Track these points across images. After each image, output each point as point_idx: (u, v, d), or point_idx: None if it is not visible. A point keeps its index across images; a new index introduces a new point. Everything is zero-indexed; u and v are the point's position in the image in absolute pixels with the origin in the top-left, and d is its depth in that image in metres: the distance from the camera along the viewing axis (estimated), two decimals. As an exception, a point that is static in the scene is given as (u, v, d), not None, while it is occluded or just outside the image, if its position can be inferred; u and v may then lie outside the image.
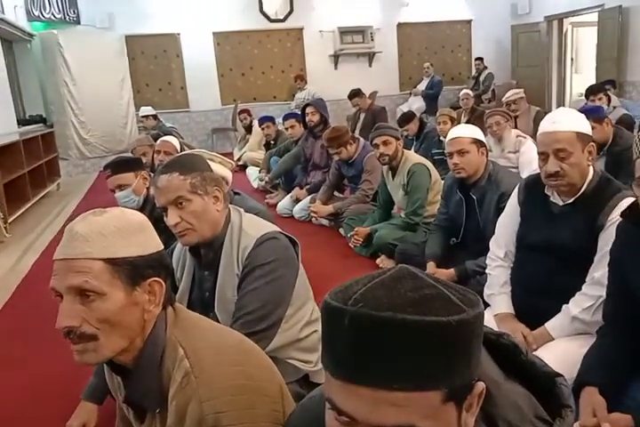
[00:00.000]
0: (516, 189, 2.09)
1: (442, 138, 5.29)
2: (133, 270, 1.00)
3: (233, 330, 1.24)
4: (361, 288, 0.64)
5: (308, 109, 5.18)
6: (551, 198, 1.92)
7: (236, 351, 1.09)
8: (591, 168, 1.87)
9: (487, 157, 2.77)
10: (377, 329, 0.60)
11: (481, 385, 0.66)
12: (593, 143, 1.85)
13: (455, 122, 5.52)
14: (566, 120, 1.82)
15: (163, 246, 1.08)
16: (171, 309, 1.10)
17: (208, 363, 1.02)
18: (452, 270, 2.79)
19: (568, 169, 1.78)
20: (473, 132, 2.78)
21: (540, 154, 1.86)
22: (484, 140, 2.79)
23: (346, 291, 0.65)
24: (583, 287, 1.81)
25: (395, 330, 0.59)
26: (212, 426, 0.97)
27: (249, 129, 7.28)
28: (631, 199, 1.76)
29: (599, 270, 1.75)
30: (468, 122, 6.19)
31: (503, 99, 5.44)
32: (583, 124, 1.83)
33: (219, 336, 1.12)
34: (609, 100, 5.40)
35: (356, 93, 6.75)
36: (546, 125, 1.86)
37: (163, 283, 1.04)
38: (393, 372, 0.60)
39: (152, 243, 1.05)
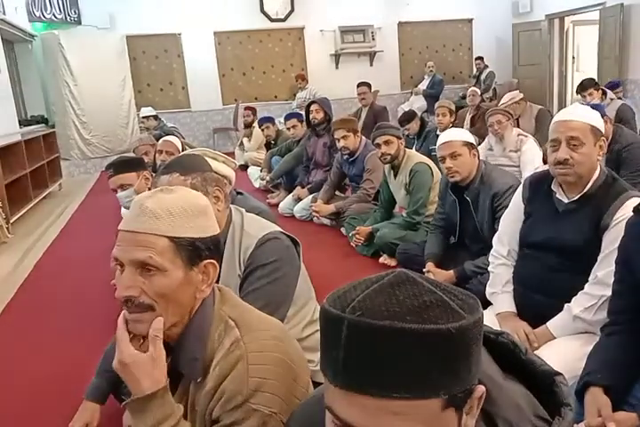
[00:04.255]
0: (520, 187, 2.09)
1: (439, 132, 5.30)
2: (193, 251, 1.05)
3: None
4: (359, 294, 0.63)
5: (313, 107, 5.18)
6: (557, 195, 1.91)
7: (280, 330, 1.16)
8: (599, 166, 1.87)
9: (479, 158, 2.77)
10: (376, 338, 0.59)
11: (481, 389, 0.66)
12: (604, 139, 1.86)
13: (454, 114, 5.55)
14: (582, 113, 1.84)
15: (219, 230, 1.13)
16: (217, 289, 1.16)
17: (258, 333, 1.08)
18: (451, 272, 2.79)
19: (578, 158, 1.79)
20: (463, 134, 2.78)
21: (551, 141, 1.86)
22: (475, 143, 2.79)
23: (344, 297, 0.64)
24: (586, 287, 1.81)
25: (394, 339, 0.59)
26: (253, 389, 1.01)
27: (249, 126, 7.27)
28: (638, 200, 1.76)
29: (602, 270, 1.75)
30: (473, 118, 6.26)
31: (499, 104, 5.43)
32: (598, 120, 1.85)
33: (263, 315, 1.19)
34: (604, 95, 5.41)
35: (366, 83, 6.79)
36: (561, 115, 1.88)
37: (217, 265, 1.09)
38: (393, 381, 0.59)
39: (212, 226, 1.10)
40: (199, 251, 1.05)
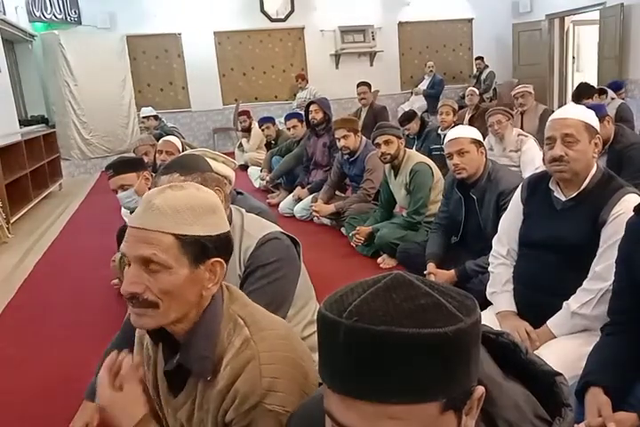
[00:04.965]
0: (519, 187, 2.10)
1: (440, 131, 5.30)
2: (200, 249, 1.04)
3: None
4: (356, 298, 0.63)
5: (312, 107, 5.19)
6: (555, 193, 1.92)
7: (286, 329, 1.17)
8: (595, 163, 1.88)
9: (486, 156, 2.78)
10: (373, 343, 0.59)
11: (481, 389, 0.66)
12: (599, 136, 1.88)
13: (457, 114, 5.54)
14: (577, 112, 1.88)
15: (229, 228, 1.12)
16: (225, 287, 1.15)
17: (267, 333, 1.09)
18: (452, 271, 2.79)
19: (573, 155, 1.80)
20: (471, 132, 2.79)
21: (547, 139, 1.88)
22: (482, 141, 2.80)
23: (341, 301, 0.63)
24: (584, 283, 1.81)
25: (391, 344, 0.59)
26: (266, 389, 1.01)
27: (247, 130, 7.25)
28: (634, 195, 1.77)
29: (601, 264, 1.76)
30: (471, 118, 6.25)
31: (512, 92, 5.43)
32: (592, 118, 1.87)
33: (270, 314, 1.19)
34: (604, 94, 5.40)
35: (365, 83, 6.81)
36: (556, 114, 1.91)
37: (224, 263, 1.08)
38: (390, 386, 0.59)
39: (221, 224, 1.09)
40: (206, 249, 1.05)
